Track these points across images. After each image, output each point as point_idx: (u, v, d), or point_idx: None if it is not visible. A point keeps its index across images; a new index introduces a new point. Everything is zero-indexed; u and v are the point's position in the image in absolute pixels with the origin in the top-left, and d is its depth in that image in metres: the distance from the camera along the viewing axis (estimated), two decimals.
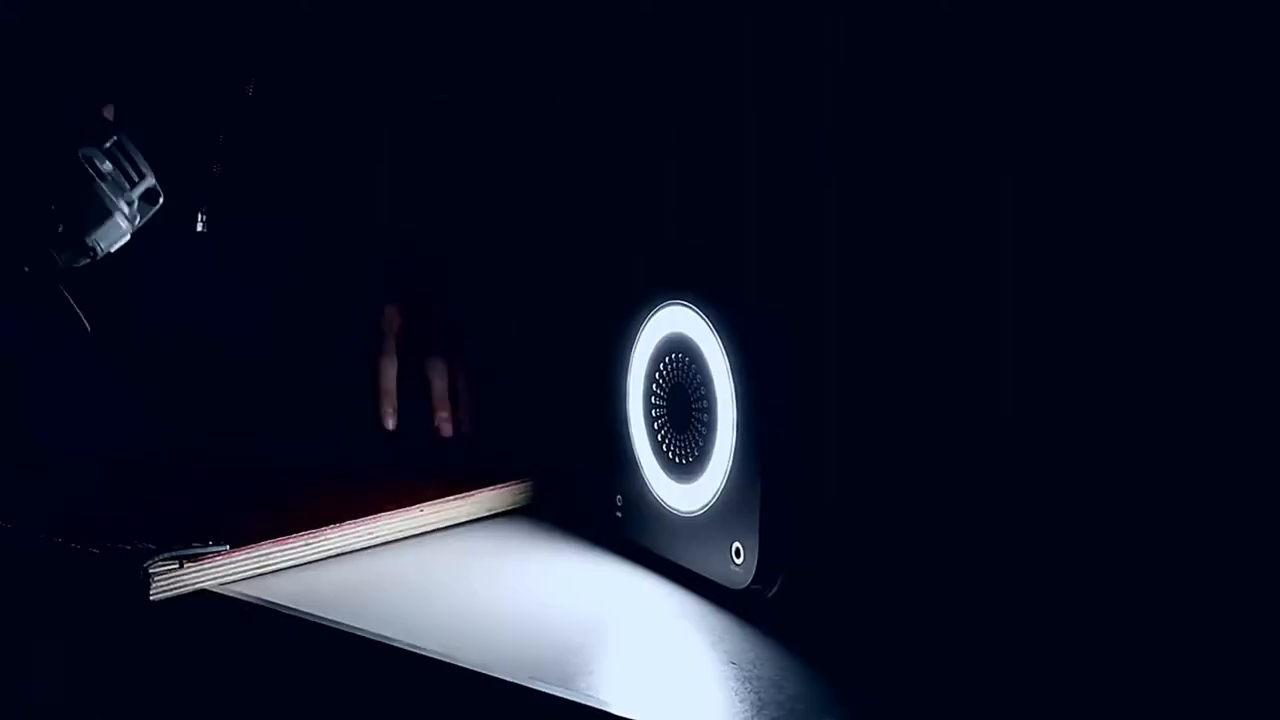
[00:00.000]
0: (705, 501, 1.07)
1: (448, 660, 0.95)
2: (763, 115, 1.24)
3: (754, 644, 0.99)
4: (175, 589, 1.06)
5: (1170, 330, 1.06)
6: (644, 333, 1.14)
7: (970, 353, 1.13)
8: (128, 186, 1.18)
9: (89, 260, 1.17)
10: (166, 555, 1.06)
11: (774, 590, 1.02)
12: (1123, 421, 1.08)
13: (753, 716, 0.88)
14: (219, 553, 1.08)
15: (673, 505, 1.11)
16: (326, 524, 1.16)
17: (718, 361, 1.05)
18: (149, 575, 1.05)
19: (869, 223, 1.19)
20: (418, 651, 0.97)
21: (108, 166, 1.16)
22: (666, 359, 1.11)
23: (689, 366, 1.09)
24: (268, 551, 1.11)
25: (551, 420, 1.33)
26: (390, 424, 1.34)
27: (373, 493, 1.24)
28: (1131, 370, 1.08)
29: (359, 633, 1.00)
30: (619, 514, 1.18)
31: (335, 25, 1.40)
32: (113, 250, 1.18)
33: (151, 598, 1.05)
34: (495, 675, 0.93)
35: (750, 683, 0.93)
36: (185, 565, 1.06)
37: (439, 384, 1.34)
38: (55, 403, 1.27)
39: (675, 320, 1.10)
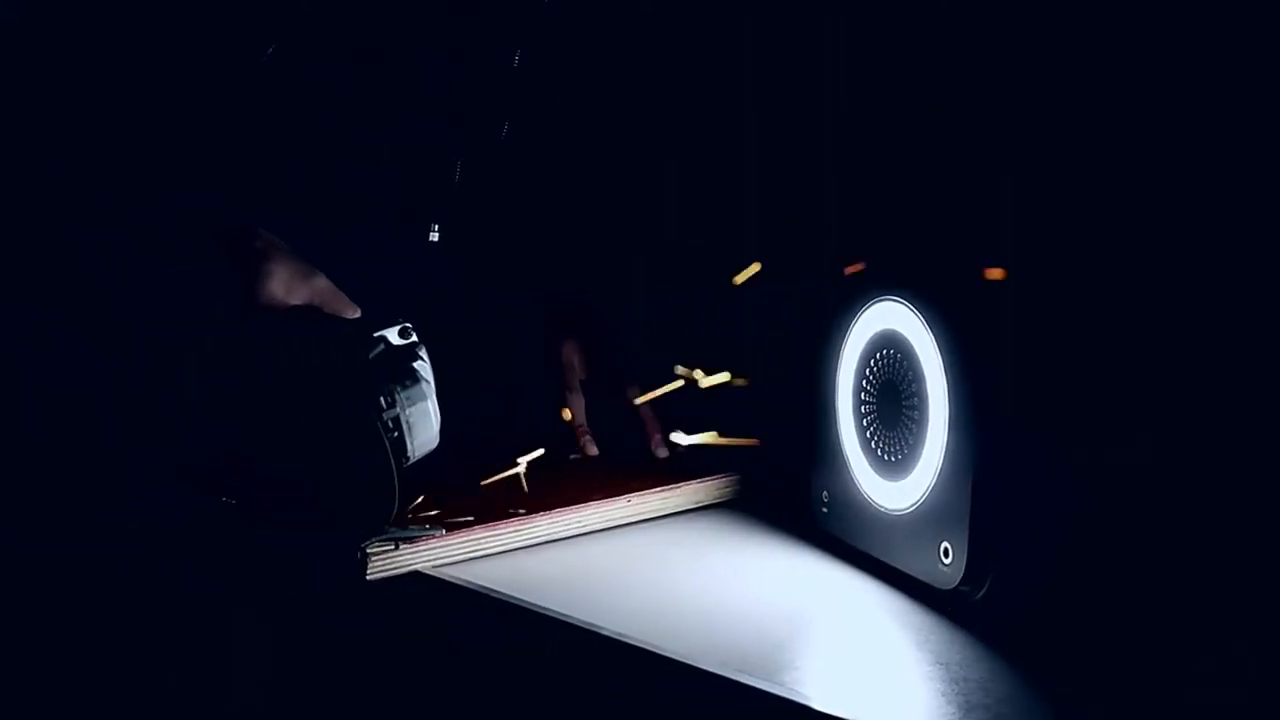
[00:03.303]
0: (914, 500, 1.06)
1: (653, 649, 0.96)
2: (981, 110, 1.22)
3: (962, 645, 0.98)
4: (390, 570, 1.09)
5: None
6: (855, 328, 1.13)
7: (1194, 352, 1.10)
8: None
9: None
10: (384, 537, 1.09)
11: (983, 591, 1.01)
12: None
13: (960, 719, 0.87)
14: (434, 536, 1.11)
15: (880, 502, 1.10)
16: (536, 511, 1.18)
17: (931, 358, 1.04)
18: (366, 556, 1.08)
19: (1084, 220, 1.16)
20: (623, 639, 0.98)
21: (394, 414, 1.17)
22: (878, 355, 1.11)
23: (900, 363, 1.08)
24: (479, 536, 1.14)
25: (759, 415, 1.33)
26: (592, 451, 1.40)
27: (581, 482, 1.26)
28: None
29: (565, 619, 1.02)
30: (824, 509, 1.18)
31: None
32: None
33: (368, 577, 1.08)
34: (699, 666, 0.93)
35: (958, 684, 0.91)
36: (401, 547, 1.09)
37: (641, 411, 1.39)
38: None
39: (888, 316, 1.09)
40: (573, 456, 1.39)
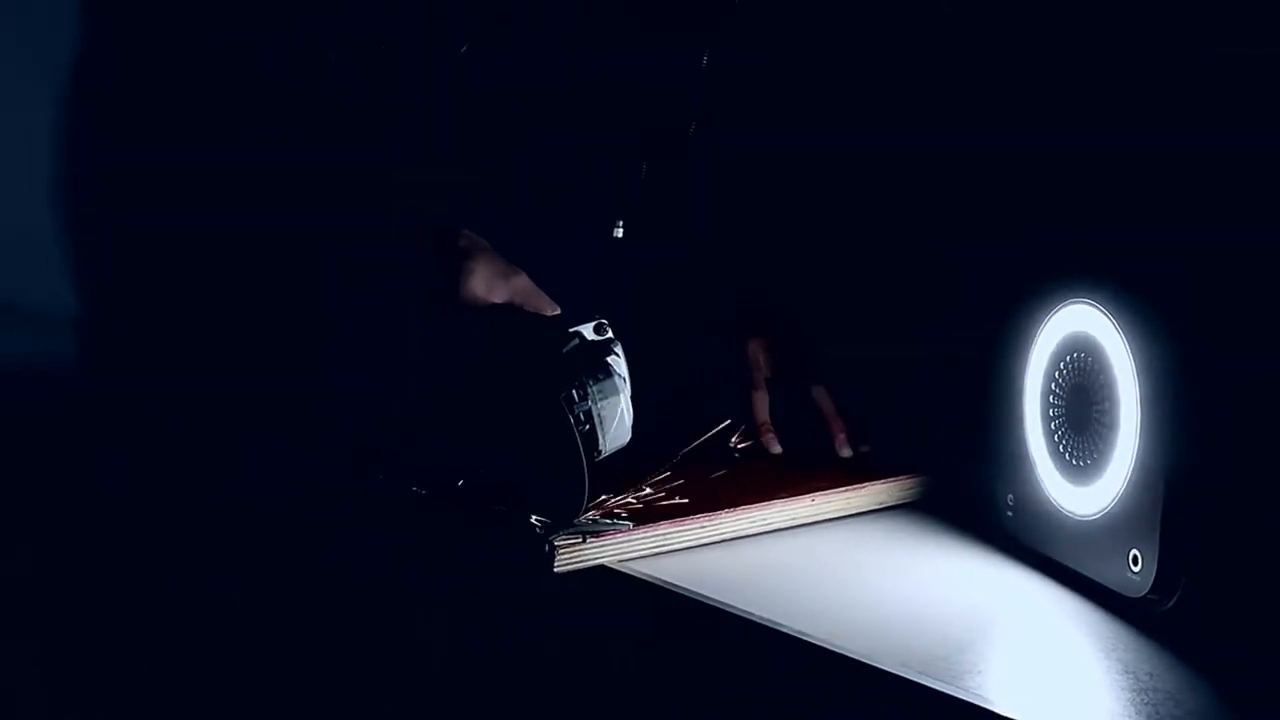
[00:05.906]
0: (1102, 505, 1.04)
1: (834, 649, 0.97)
2: (1178, 108, 1.19)
3: (1151, 655, 0.96)
4: (577, 563, 1.11)
5: None
6: (1044, 331, 1.12)
7: None
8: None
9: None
10: (572, 530, 1.11)
11: (1173, 600, 0.99)
12: None
13: None
14: (621, 530, 1.13)
15: (1067, 507, 1.09)
16: (721, 509, 1.19)
17: (1122, 362, 1.02)
18: (554, 548, 1.10)
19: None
20: (804, 638, 0.99)
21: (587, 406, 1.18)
22: (1067, 358, 1.09)
23: (1091, 366, 1.06)
24: (665, 532, 1.15)
25: (946, 417, 1.32)
26: (775, 449, 1.40)
27: (765, 480, 1.27)
28: None
29: (748, 616, 1.03)
30: (1010, 513, 1.17)
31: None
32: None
33: (555, 570, 1.10)
34: (881, 667, 0.94)
35: (1145, 694, 0.90)
36: (588, 540, 1.11)
37: (826, 409, 1.40)
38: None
39: (1078, 319, 1.08)
40: (738, 446, 1.40)
